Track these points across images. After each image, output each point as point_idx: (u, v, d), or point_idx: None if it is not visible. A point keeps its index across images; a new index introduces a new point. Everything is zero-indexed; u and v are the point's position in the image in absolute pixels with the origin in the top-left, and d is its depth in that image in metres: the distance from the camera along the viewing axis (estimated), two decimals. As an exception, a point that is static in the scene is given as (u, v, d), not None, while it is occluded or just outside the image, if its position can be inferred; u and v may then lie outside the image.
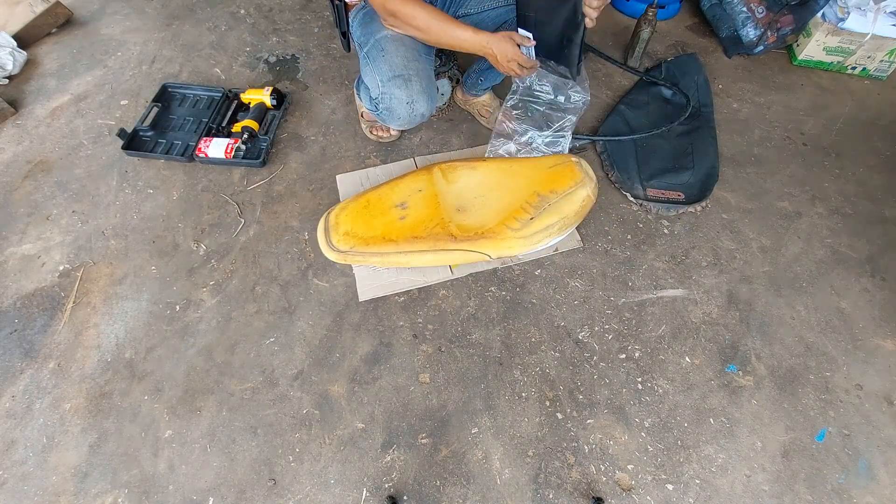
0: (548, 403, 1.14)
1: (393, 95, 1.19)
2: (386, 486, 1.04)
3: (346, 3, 1.29)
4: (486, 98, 1.62)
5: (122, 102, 1.67)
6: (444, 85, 1.64)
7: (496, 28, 1.38)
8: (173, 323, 1.23)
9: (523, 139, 1.47)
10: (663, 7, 1.98)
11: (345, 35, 1.34)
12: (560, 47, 1.15)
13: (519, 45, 1.15)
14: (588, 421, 1.12)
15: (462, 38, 1.15)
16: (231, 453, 1.06)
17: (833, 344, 1.24)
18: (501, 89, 1.71)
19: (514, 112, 1.43)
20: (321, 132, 1.62)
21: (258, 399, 1.13)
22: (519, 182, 1.38)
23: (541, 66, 1.23)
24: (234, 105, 1.63)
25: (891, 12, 1.73)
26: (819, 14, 1.78)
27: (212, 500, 1.01)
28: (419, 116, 1.24)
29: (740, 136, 1.67)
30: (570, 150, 1.59)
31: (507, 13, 1.28)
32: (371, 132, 1.58)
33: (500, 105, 1.65)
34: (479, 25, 1.35)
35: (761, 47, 1.84)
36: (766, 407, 1.15)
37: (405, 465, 1.06)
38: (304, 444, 1.08)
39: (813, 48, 1.83)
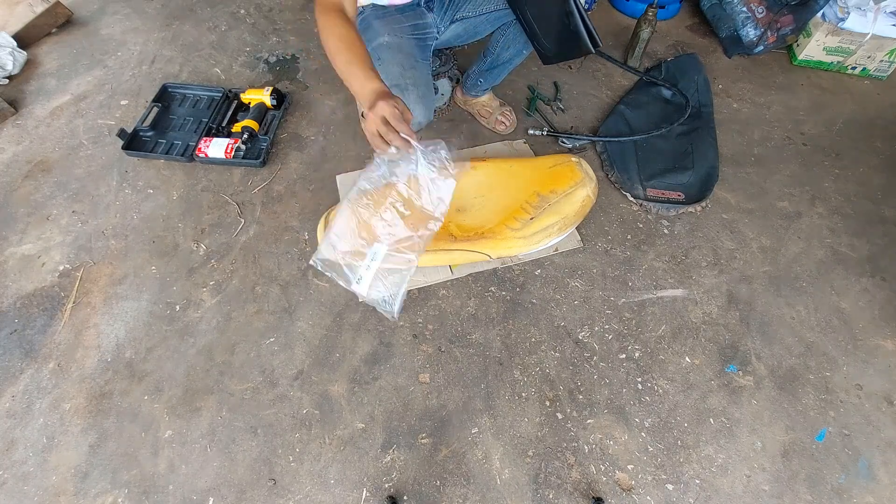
0: (548, 403, 1.14)
1: None
2: (386, 486, 1.04)
3: None
4: (485, 98, 1.62)
5: (122, 102, 1.67)
6: (444, 85, 1.64)
7: (493, 31, 1.37)
8: (173, 323, 1.23)
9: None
10: (663, 7, 1.98)
11: None
12: (563, 33, 1.14)
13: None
14: (588, 421, 1.12)
15: (354, 77, 0.96)
16: (231, 453, 1.06)
17: (833, 344, 1.24)
18: (501, 89, 1.71)
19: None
20: (321, 132, 1.62)
21: (258, 399, 1.13)
22: (519, 182, 1.38)
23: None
24: (234, 105, 1.63)
25: (891, 12, 1.73)
26: (819, 14, 1.78)
27: (212, 500, 1.01)
28: (416, 125, 1.23)
29: (740, 136, 1.67)
30: (570, 150, 1.59)
31: (505, 16, 1.28)
32: (371, 132, 1.57)
33: (500, 106, 1.64)
34: (476, 28, 1.35)
35: (761, 47, 1.84)
36: (766, 407, 1.15)
37: (405, 465, 1.06)
38: (304, 444, 1.08)
39: (813, 48, 1.83)
